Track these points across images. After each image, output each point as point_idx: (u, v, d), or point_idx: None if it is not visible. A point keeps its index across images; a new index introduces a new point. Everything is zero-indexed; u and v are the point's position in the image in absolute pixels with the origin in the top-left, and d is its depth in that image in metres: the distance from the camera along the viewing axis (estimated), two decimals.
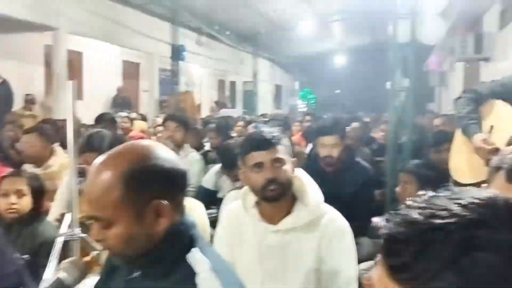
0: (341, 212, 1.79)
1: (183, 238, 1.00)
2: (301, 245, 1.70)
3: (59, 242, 1.51)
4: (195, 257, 0.98)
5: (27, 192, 2.16)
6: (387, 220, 0.58)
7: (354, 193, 2.89)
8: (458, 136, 2.47)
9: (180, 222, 1.01)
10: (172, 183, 0.99)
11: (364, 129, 5.84)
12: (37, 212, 2.22)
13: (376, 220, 2.47)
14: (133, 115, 8.13)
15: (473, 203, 0.55)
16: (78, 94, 10.54)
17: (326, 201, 1.77)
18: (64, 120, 5.20)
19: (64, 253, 1.51)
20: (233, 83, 17.61)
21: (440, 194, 0.59)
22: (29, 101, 7.76)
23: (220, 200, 2.77)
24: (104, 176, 0.94)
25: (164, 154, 0.99)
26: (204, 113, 13.42)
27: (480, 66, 8.85)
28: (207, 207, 2.66)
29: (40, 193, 2.20)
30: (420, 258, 0.52)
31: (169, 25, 10.67)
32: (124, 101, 11.26)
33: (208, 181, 3.09)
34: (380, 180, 3.75)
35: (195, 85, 14.86)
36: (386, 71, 4.90)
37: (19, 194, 2.14)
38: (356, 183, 2.99)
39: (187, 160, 3.39)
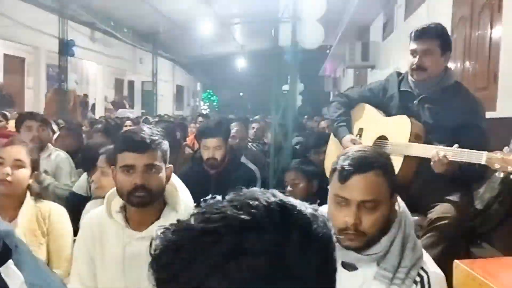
0: None
1: None
2: None
3: None
4: (8, 270, 0.87)
5: None
6: (164, 231, 0.54)
7: None
8: (331, 138, 2.55)
9: None
10: None
11: (262, 130, 5.89)
12: None
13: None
14: (14, 114, 7.39)
15: (248, 204, 0.53)
16: None
17: None
18: None
19: None
20: (131, 83, 16.99)
21: (226, 197, 0.56)
22: None
23: None
24: None
25: None
26: (99, 112, 12.75)
27: (368, 72, 9.52)
28: (78, 215, 2.43)
29: None
30: (188, 266, 0.50)
31: (58, 18, 9.96)
32: (6, 98, 10.28)
33: (79, 186, 2.85)
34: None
35: (88, 82, 14.06)
36: (285, 74, 5.03)
37: None
38: (241, 185, 2.95)
39: (52, 160, 3.10)
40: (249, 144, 4.55)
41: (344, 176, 1.22)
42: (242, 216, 0.52)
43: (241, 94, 22.13)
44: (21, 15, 9.26)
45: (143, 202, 1.56)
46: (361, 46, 8.71)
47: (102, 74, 14.31)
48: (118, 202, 1.66)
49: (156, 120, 6.61)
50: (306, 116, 9.69)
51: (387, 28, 8.07)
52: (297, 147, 4.52)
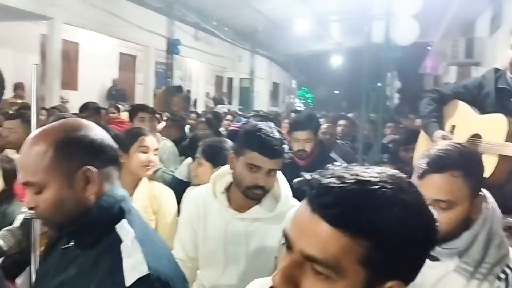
0: None
1: (112, 209, 1.06)
2: (265, 234, 1.75)
3: (18, 219, 1.57)
4: (122, 227, 1.05)
5: None
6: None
7: None
8: (421, 134, 2.53)
9: (111, 194, 1.07)
10: (99, 153, 1.05)
11: (350, 127, 5.88)
12: (8, 193, 2.28)
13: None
14: (126, 107, 8.19)
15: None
16: (73, 84, 10.63)
17: (298, 193, 1.79)
18: (51, 109, 5.27)
19: (24, 231, 1.57)
20: (230, 80, 17.67)
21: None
22: (19, 88, 7.81)
23: None
24: (37, 145, 1.01)
25: (94, 129, 1.07)
26: (200, 108, 13.49)
27: (472, 70, 8.92)
28: (179, 198, 2.71)
29: (12, 175, 2.26)
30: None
31: (166, 18, 10.73)
32: (119, 93, 11.34)
33: (181, 172, 3.15)
34: None
35: (190, 79, 14.91)
36: (383, 72, 4.97)
37: None
38: None
39: (159, 148, 3.45)
40: (339, 141, 4.59)
41: (421, 174, 1.23)
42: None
43: (336, 92, 21.87)
44: (134, 17, 10.13)
45: (258, 198, 1.72)
46: (465, 42, 8.20)
47: (204, 72, 15.10)
48: (222, 183, 1.82)
49: (252, 114, 6.89)
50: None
51: (494, 23, 7.52)
52: (390, 145, 4.48)
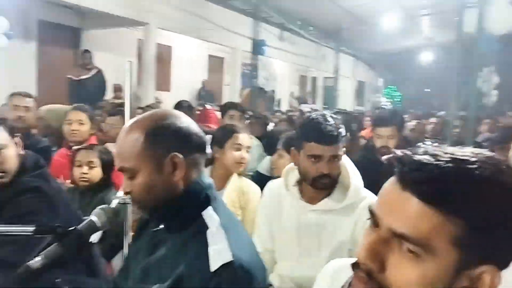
0: None
1: (199, 196, 1.13)
2: (337, 226, 1.76)
3: (112, 203, 1.71)
4: (208, 214, 1.11)
5: (98, 164, 2.46)
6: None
7: None
8: None
9: (198, 181, 1.14)
10: (187, 141, 1.12)
11: (441, 125, 5.61)
12: (107, 182, 2.51)
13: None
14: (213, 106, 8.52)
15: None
16: (166, 86, 11.27)
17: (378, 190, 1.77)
18: (146, 107, 5.65)
19: (117, 216, 1.72)
20: (314, 79, 17.58)
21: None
22: (118, 90, 8.45)
23: None
24: (130, 133, 1.10)
25: (181, 118, 1.14)
26: (284, 107, 13.59)
27: None
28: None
29: (110, 165, 2.48)
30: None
31: (251, 20, 10.97)
32: (208, 93, 11.80)
33: (263, 166, 3.22)
34: None
35: (275, 79, 15.08)
36: (478, 67, 4.65)
37: (91, 165, 2.44)
38: None
39: None
40: (428, 140, 4.40)
41: None
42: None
43: (427, 90, 20.76)
44: (222, 19, 10.48)
45: (326, 187, 1.74)
46: None
47: (288, 71, 15.19)
48: (294, 177, 1.87)
49: (334, 112, 6.85)
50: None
51: None
52: (485, 144, 4.20)
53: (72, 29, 9.14)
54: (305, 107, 12.31)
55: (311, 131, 1.70)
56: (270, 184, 2.02)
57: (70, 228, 1.10)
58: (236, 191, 2.31)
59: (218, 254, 1.02)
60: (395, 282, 0.65)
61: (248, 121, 4.59)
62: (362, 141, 4.32)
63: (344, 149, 1.77)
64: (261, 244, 1.91)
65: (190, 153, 1.11)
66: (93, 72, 7.40)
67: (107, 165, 2.47)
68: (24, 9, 7.51)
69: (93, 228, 1.13)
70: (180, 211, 1.11)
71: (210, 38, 10.85)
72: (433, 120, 5.46)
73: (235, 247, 1.04)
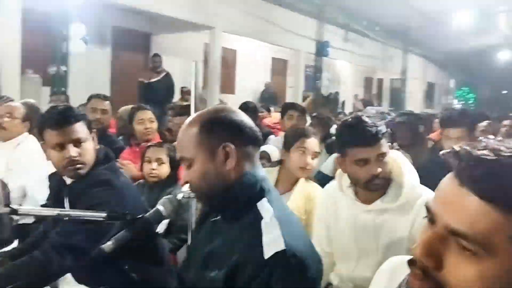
0: None
1: (254, 187, 1.17)
2: (394, 225, 1.71)
3: (178, 196, 1.78)
4: (263, 205, 1.15)
5: (166, 160, 2.57)
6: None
7: None
8: None
9: (252, 173, 1.18)
10: (240, 133, 1.17)
11: None
12: (174, 178, 2.62)
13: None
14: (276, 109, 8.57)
15: None
16: (231, 88, 11.52)
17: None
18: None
19: (182, 207, 1.78)
20: (380, 81, 17.14)
21: None
22: (185, 93, 8.75)
23: None
24: (189, 125, 1.18)
25: (235, 112, 1.20)
26: (348, 109, 13.39)
27: None
28: None
29: (176, 162, 2.58)
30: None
31: (316, 21, 10.93)
32: (271, 96, 11.90)
33: (326, 167, 3.19)
34: None
35: (339, 81, 14.89)
36: None
37: (159, 161, 2.56)
38: None
39: None
40: None
41: None
42: None
43: (504, 92, 19.52)
44: (286, 21, 10.53)
45: (380, 187, 1.70)
46: None
47: (352, 73, 14.94)
48: (348, 178, 1.85)
49: (397, 113, 6.62)
50: None
51: None
52: None
53: (143, 34, 9.62)
54: (371, 110, 12.03)
55: (350, 136, 1.67)
56: (326, 187, 2.01)
57: (138, 216, 1.17)
58: (302, 196, 2.27)
59: (272, 242, 1.06)
60: (452, 281, 0.63)
61: (311, 121, 4.57)
62: (430, 143, 4.15)
63: (389, 145, 1.72)
64: (320, 247, 1.88)
65: (242, 145, 1.16)
66: (162, 75, 7.73)
67: (174, 162, 2.58)
68: (100, 16, 8.01)
69: (159, 216, 1.20)
70: (234, 202, 1.16)
71: (274, 41, 10.95)
72: (507, 122, 5.11)
73: (288, 237, 1.07)
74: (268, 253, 1.04)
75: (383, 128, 1.68)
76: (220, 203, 1.19)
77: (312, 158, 2.26)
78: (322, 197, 2.00)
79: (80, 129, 1.70)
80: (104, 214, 1.16)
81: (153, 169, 2.55)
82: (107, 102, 3.38)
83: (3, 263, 1.62)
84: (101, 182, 1.68)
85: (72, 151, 1.66)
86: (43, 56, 6.64)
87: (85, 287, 1.75)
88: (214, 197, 1.19)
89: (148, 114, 3.20)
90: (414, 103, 16.65)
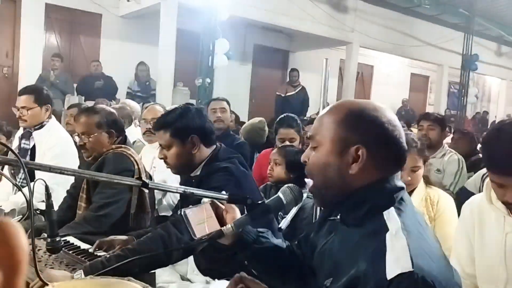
0: None
1: (385, 195, 1.05)
2: None
3: (299, 189, 1.81)
4: (390, 214, 1.02)
5: (281, 162, 2.57)
6: None
7: None
8: None
9: (389, 180, 1.06)
10: (381, 140, 1.04)
11: None
12: (294, 181, 2.65)
13: None
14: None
15: None
16: None
17: None
18: None
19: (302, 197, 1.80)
20: None
21: None
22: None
23: None
24: (337, 107, 1.09)
25: (387, 115, 1.06)
26: None
27: None
28: None
29: (294, 165, 2.57)
30: None
31: (462, 34, 10.15)
32: (408, 113, 11.33)
33: (471, 184, 2.94)
34: None
35: (489, 99, 13.53)
36: None
37: (275, 163, 2.60)
38: None
39: (444, 160, 3.30)
40: None
41: None
42: None
43: None
44: (428, 35, 9.99)
45: None
46: None
47: (505, 90, 13.46)
48: None
49: None
50: None
51: None
52: None
53: (282, 51, 10.03)
54: None
55: (485, 159, 1.51)
56: (471, 199, 1.79)
57: (259, 202, 1.22)
58: (423, 200, 2.14)
59: (397, 261, 0.92)
60: None
61: (453, 136, 4.26)
62: None
63: None
64: (460, 268, 1.66)
65: (379, 152, 1.04)
66: (298, 89, 8.08)
67: (291, 165, 2.61)
68: (243, 34, 8.58)
69: (279, 204, 1.22)
70: (359, 206, 1.05)
71: (415, 56, 10.45)
72: None
73: (418, 256, 0.92)
74: (391, 273, 0.90)
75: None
76: (343, 205, 1.09)
77: (408, 175, 2.09)
78: (465, 211, 1.77)
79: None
80: (225, 196, 1.23)
81: (269, 170, 2.64)
82: (224, 102, 3.66)
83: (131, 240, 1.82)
84: (220, 169, 1.83)
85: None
86: (193, 71, 7.32)
87: (210, 279, 1.87)
88: (331, 197, 1.10)
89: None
90: None
